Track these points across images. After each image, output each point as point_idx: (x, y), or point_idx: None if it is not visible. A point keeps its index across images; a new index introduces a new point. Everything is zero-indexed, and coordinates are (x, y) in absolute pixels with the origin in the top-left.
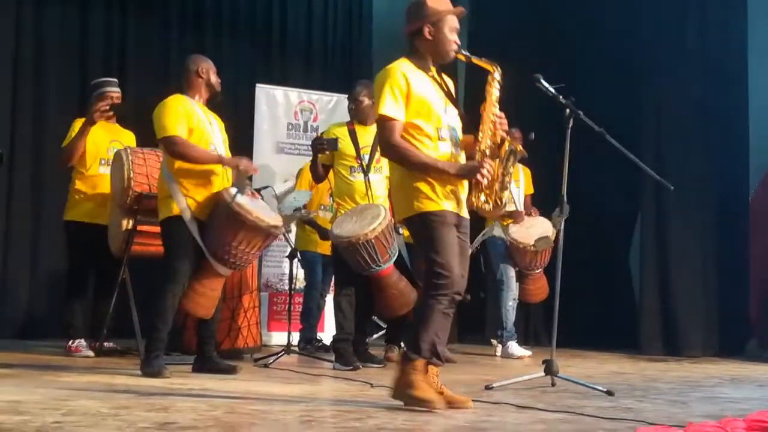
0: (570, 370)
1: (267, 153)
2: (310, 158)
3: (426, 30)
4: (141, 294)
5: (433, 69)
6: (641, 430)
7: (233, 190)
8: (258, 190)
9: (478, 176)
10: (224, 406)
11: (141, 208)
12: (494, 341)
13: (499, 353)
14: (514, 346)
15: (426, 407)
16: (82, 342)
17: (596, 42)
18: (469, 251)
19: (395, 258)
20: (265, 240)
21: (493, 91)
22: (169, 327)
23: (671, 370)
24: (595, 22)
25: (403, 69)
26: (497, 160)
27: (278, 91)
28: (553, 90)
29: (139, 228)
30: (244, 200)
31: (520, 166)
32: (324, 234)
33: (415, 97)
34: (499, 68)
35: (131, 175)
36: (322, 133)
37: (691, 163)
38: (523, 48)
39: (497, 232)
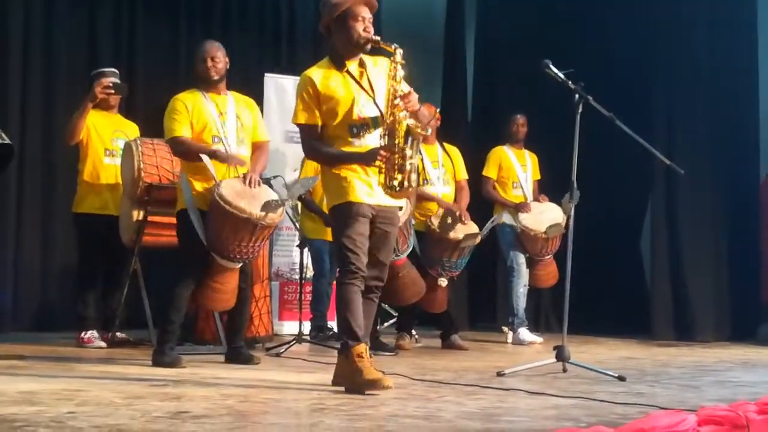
0: (581, 355)
1: (276, 142)
2: None
3: (332, 25)
4: (153, 285)
5: (352, 62)
6: (653, 415)
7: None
8: (268, 180)
9: (379, 159)
10: (237, 395)
11: (151, 199)
12: (505, 328)
13: (510, 340)
14: (525, 333)
15: (377, 387)
16: (95, 333)
17: (606, 30)
18: (393, 239)
19: (412, 248)
20: (254, 232)
21: (397, 71)
22: (182, 318)
23: (683, 354)
24: (605, 14)
25: (312, 75)
26: (396, 140)
27: (287, 81)
28: (562, 75)
29: (149, 219)
30: (227, 191)
31: (526, 152)
32: (328, 221)
33: (325, 99)
34: (399, 49)
35: (141, 166)
36: None
37: (702, 147)
38: (531, 35)
39: (507, 219)
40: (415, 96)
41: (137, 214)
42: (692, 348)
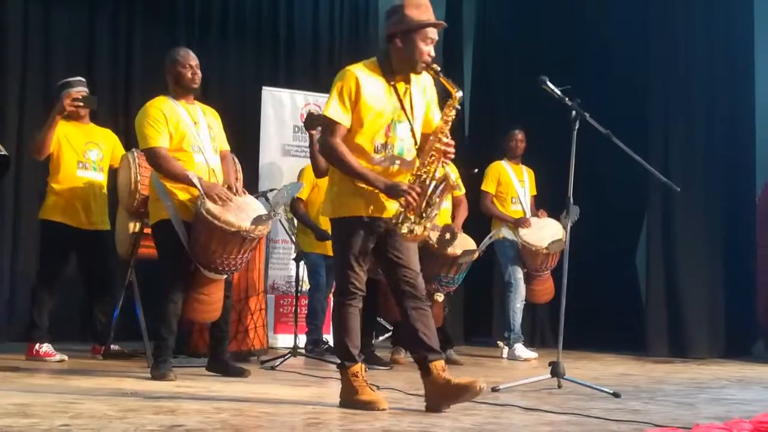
0: (576, 371)
1: (273, 155)
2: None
3: (398, 37)
4: (148, 296)
5: (400, 78)
6: None
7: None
8: (264, 194)
9: (402, 200)
10: (231, 409)
11: (148, 211)
12: (501, 343)
13: (505, 355)
14: (520, 348)
15: (371, 408)
16: (50, 346)
17: (603, 43)
18: (414, 245)
19: None
20: (242, 244)
21: (450, 117)
22: (174, 332)
23: (678, 371)
24: (602, 32)
25: (358, 73)
26: (428, 186)
27: (284, 94)
28: (559, 92)
29: (146, 231)
30: (213, 206)
31: (524, 167)
32: (321, 235)
33: (363, 106)
34: (460, 93)
35: (138, 178)
36: (310, 112)
37: (698, 163)
38: (528, 51)
39: (507, 234)
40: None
41: (133, 226)
42: (687, 365)
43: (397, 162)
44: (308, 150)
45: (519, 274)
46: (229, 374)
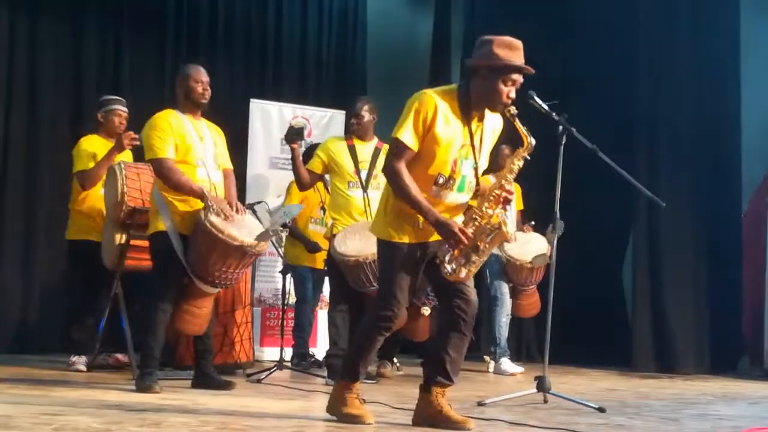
0: (562, 386)
1: (261, 168)
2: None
3: (481, 73)
4: (134, 308)
5: (475, 114)
6: None
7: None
8: (252, 206)
9: (451, 241)
10: (216, 422)
11: (134, 223)
12: (487, 358)
13: (491, 370)
14: (506, 363)
15: (357, 422)
16: (83, 358)
17: (591, 59)
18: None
19: None
20: (242, 259)
21: (516, 165)
22: (161, 343)
23: (664, 387)
24: (590, 41)
25: (438, 102)
26: (481, 231)
27: (272, 107)
28: (546, 107)
29: (132, 242)
30: (217, 219)
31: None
32: (312, 247)
33: (434, 136)
34: (533, 144)
35: (125, 189)
36: (291, 126)
37: (684, 179)
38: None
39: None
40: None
41: (119, 238)
42: (673, 380)
43: (455, 199)
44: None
45: (504, 288)
46: (215, 387)
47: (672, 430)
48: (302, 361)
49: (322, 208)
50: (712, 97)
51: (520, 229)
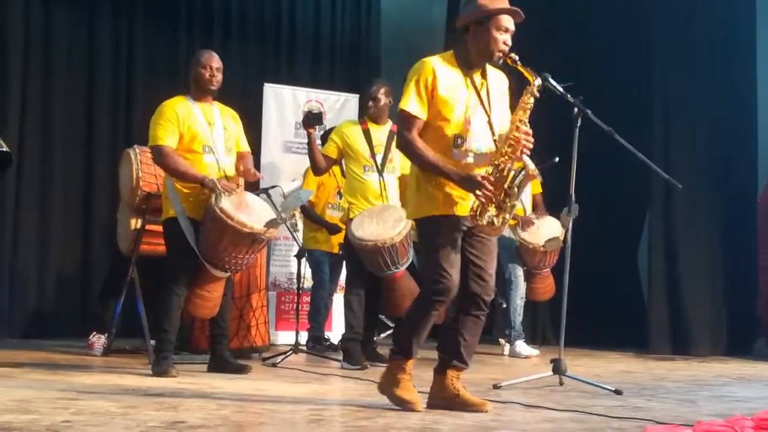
0: (578, 369)
1: (275, 152)
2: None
3: (472, 27)
4: (150, 293)
5: (477, 71)
6: (650, 429)
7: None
8: (266, 190)
9: (477, 192)
10: (233, 406)
11: (149, 208)
12: (502, 340)
13: (506, 352)
14: (522, 346)
15: (407, 408)
16: (102, 339)
17: (604, 41)
18: (494, 249)
19: (411, 260)
20: (252, 244)
21: (527, 103)
22: (176, 328)
23: (679, 369)
24: (605, 31)
25: (435, 65)
26: (506, 176)
27: (286, 91)
28: (561, 89)
29: (147, 227)
30: (227, 205)
31: None
32: (333, 229)
33: (439, 98)
34: (539, 81)
35: (140, 174)
36: (309, 111)
37: (699, 161)
38: (528, 47)
39: (506, 232)
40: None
41: (135, 223)
42: (689, 362)
43: (474, 155)
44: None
45: (519, 271)
46: (231, 371)
47: (688, 412)
48: (317, 345)
49: (339, 192)
50: (728, 77)
51: (542, 214)
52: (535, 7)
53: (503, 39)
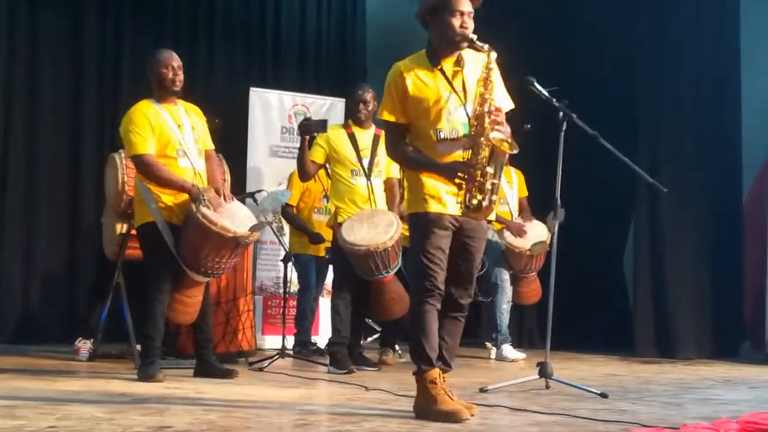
0: (564, 372)
1: (261, 156)
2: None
3: (429, 19)
4: (136, 298)
5: (448, 60)
6: None
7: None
8: (252, 194)
9: (457, 178)
10: (219, 410)
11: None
12: (488, 344)
13: (493, 356)
14: (508, 349)
15: (452, 420)
16: (88, 344)
17: (590, 44)
18: (479, 253)
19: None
20: (235, 248)
21: (492, 78)
22: (161, 333)
23: (665, 372)
24: (591, 34)
25: (403, 68)
26: (479, 156)
27: (272, 95)
28: (546, 93)
29: (133, 232)
30: (208, 211)
31: (512, 169)
32: (315, 238)
33: (411, 99)
34: (487, 47)
35: (125, 179)
36: (307, 117)
37: (685, 165)
38: (516, 51)
39: (492, 235)
40: (504, 109)
41: (120, 227)
42: (674, 365)
43: (459, 146)
44: (296, 152)
45: (505, 275)
46: (217, 375)
47: (674, 415)
48: (304, 350)
49: (325, 196)
50: (714, 81)
51: (528, 218)
52: (518, 9)
53: (459, 22)
